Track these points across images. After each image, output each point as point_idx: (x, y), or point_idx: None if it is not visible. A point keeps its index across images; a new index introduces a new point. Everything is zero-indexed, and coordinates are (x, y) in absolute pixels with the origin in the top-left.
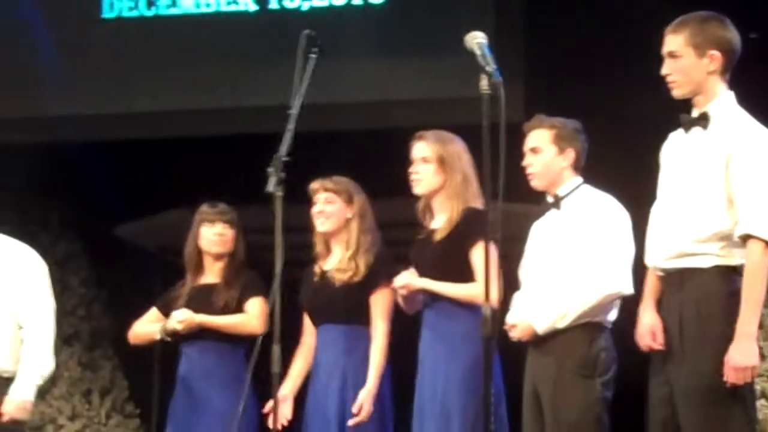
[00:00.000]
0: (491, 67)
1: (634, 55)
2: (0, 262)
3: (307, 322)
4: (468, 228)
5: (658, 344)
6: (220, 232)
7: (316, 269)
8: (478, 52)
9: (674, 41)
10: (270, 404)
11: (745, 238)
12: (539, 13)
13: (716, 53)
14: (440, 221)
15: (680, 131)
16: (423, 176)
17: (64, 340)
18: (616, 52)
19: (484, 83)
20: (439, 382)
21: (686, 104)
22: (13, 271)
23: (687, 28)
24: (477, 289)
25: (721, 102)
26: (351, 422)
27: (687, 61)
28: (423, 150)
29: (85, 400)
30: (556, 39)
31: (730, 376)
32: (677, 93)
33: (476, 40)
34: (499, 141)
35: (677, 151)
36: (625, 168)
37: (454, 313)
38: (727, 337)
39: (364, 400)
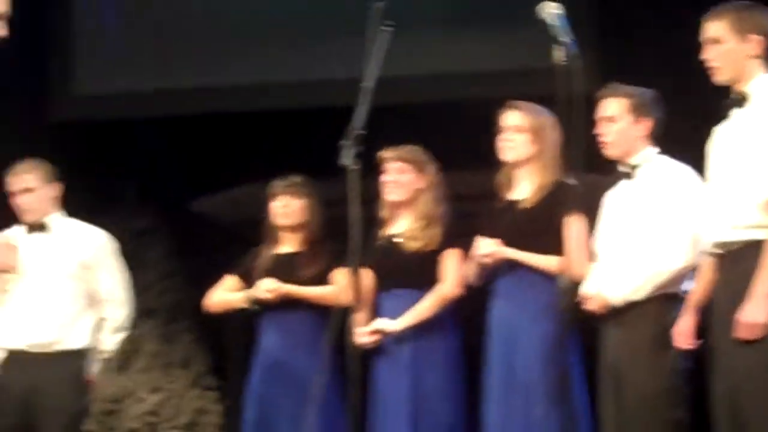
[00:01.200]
0: (565, 37)
1: None
2: (71, 245)
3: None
4: (561, 200)
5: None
6: (284, 204)
7: (382, 235)
8: (551, 22)
9: (715, 27)
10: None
11: None
12: None
13: (758, 37)
14: (525, 191)
15: (723, 125)
16: (515, 144)
17: (142, 313)
18: (691, 20)
19: (558, 54)
20: (518, 354)
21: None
22: (82, 254)
23: (728, 14)
24: (565, 261)
25: (759, 82)
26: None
27: (729, 46)
28: (516, 119)
29: (165, 374)
30: (629, 6)
31: (741, 332)
32: (719, 78)
33: (549, 10)
34: (575, 112)
35: (722, 136)
36: (701, 138)
37: (534, 283)
38: None
39: (381, 328)
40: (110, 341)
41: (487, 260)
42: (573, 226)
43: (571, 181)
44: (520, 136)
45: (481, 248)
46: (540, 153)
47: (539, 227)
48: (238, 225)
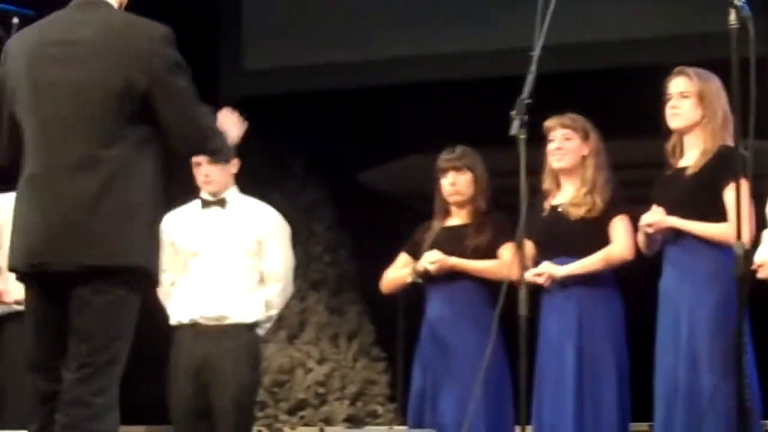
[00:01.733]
0: (739, 0)
1: None
2: (248, 222)
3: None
4: (723, 166)
5: None
6: (452, 181)
7: (545, 205)
8: None
9: None
10: None
11: None
12: None
13: None
14: (692, 158)
15: None
16: (681, 110)
17: (311, 285)
18: None
19: (731, 17)
20: (684, 323)
21: None
22: (259, 231)
23: None
24: (729, 228)
25: None
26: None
27: None
28: (682, 85)
29: (333, 344)
30: None
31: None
32: None
33: None
34: (750, 76)
35: None
36: None
37: (700, 252)
38: None
39: (547, 270)
40: (266, 315)
41: (650, 230)
42: (737, 192)
43: (738, 145)
44: (686, 102)
45: (645, 218)
46: (707, 118)
47: (702, 193)
48: (405, 196)
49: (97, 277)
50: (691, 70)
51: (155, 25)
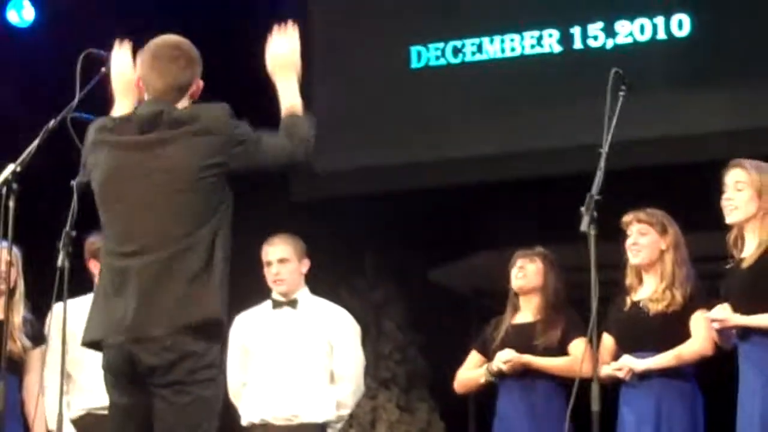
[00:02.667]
0: None
1: None
2: (319, 323)
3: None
4: None
5: None
6: (521, 266)
7: (627, 300)
8: None
9: None
10: None
11: None
12: None
13: None
14: (750, 249)
15: None
16: (737, 203)
17: (381, 383)
18: None
19: None
20: (756, 411)
21: None
22: (330, 332)
23: None
24: None
25: None
26: None
27: None
28: (738, 176)
29: None
30: None
31: None
32: None
33: None
34: None
35: None
36: None
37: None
38: None
39: (627, 364)
40: (337, 415)
41: (716, 325)
42: None
43: None
44: (741, 194)
45: (711, 314)
46: (763, 210)
47: (758, 283)
48: (474, 294)
49: (187, 337)
50: (747, 162)
51: (213, 109)
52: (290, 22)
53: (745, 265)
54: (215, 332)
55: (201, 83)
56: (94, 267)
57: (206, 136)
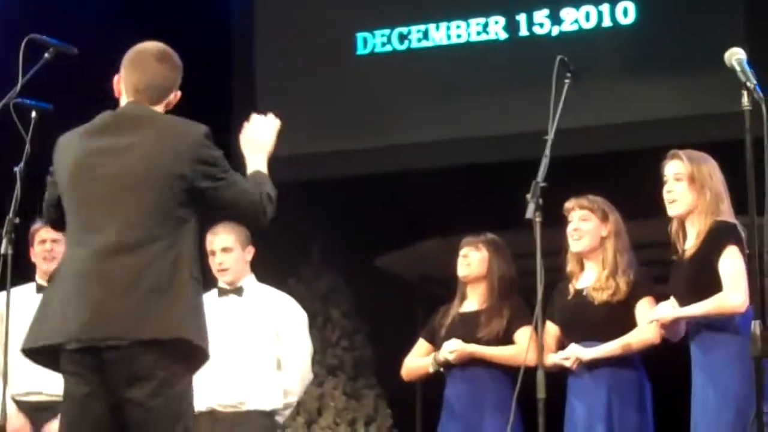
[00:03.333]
0: (752, 82)
1: None
2: (262, 310)
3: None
4: (715, 239)
5: None
6: (465, 254)
7: (570, 288)
8: (738, 68)
9: None
10: None
11: None
12: None
13: None
14: (691, 241)
15: None
16: (677, 195)
17: (328, 370)
18: None
19: (744, 99)
20: (701, 408)
21: None
22: (277, 320)
23: None
24: (724, 299)
25: None
26: None
27: None
28: (677, 168)
29: (351, 429)
30: None
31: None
32: None
33: (736, 56)
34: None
35: None
36: None
37: (715, 335)
38: None
39: (574, 353)
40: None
41: (660, 324)
42: (728, 259)
43: (731, 220)
44: (682, 186)
45: (652, 314)
46: (700, 199)
47: (700, 273)
48: (422, 281)
49: (152, 354)
50: (684, 153)
51: (193, 125)
52: (270, 114)
53: (686, 257)
54: (189, 354)
55: (179, 94)
56: (36, 256)
57: (177, 145)
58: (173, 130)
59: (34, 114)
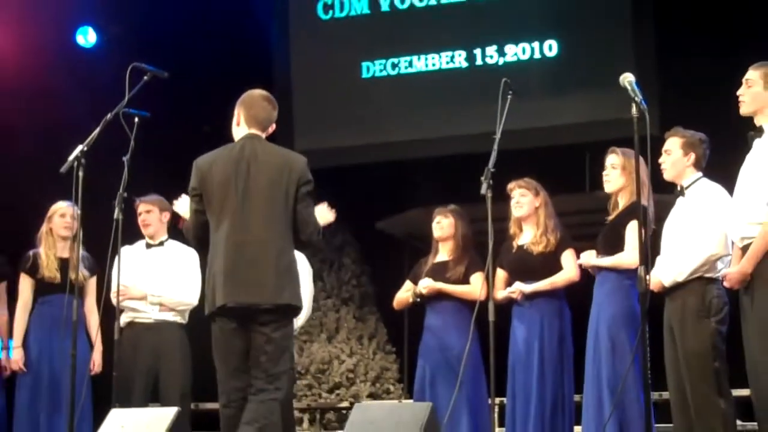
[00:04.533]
0: (639, 97)
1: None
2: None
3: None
4: (627, 214)
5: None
6: (438, 221)
7: (514, 244)
8: (629, 87)
9: (752, 73)
10: None
11: None
12: (671, 56)
13: None
14: (615, 212)
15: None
16: (611, 178)
17: (342, 301)
18: (728, 84)
19: (633, 109)
20: (598, 326)
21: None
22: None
23: (763, 68)
24: (626, 256)
25: None
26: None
27: (756, 89)
28: (612, 159)
29: (359, 343)
30: (683, 73)
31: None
32: (743, 110)
33: (627, 79)
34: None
35: (747, 160)
36: (735, 166)
37: (610, 278)
38: None
39: (518, 288)
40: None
41: (583, 265)
42: (631, 229)
43: (641, 199)
44: (615, 172)
45: (582, 257)
46: (627, 183)
47: (613, 235)
48: (408, 239)
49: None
50: (619, 149)
51: (299, 156)
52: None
53: (608, 222)
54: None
55: (274, 126)
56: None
57: (291, 172)
58: (287, 158)
59: (136, 119)
